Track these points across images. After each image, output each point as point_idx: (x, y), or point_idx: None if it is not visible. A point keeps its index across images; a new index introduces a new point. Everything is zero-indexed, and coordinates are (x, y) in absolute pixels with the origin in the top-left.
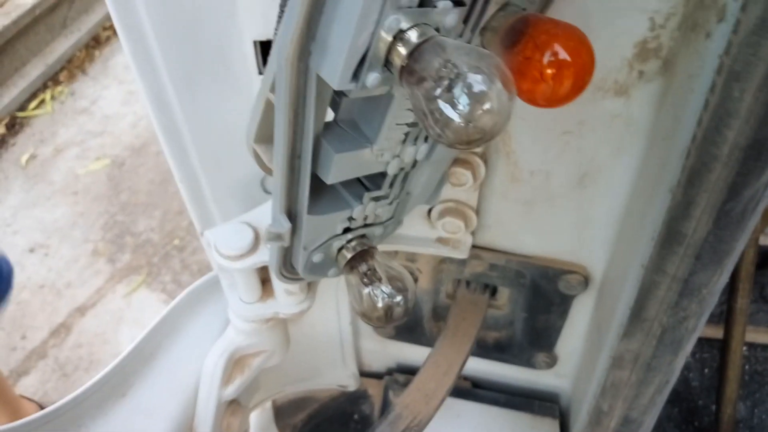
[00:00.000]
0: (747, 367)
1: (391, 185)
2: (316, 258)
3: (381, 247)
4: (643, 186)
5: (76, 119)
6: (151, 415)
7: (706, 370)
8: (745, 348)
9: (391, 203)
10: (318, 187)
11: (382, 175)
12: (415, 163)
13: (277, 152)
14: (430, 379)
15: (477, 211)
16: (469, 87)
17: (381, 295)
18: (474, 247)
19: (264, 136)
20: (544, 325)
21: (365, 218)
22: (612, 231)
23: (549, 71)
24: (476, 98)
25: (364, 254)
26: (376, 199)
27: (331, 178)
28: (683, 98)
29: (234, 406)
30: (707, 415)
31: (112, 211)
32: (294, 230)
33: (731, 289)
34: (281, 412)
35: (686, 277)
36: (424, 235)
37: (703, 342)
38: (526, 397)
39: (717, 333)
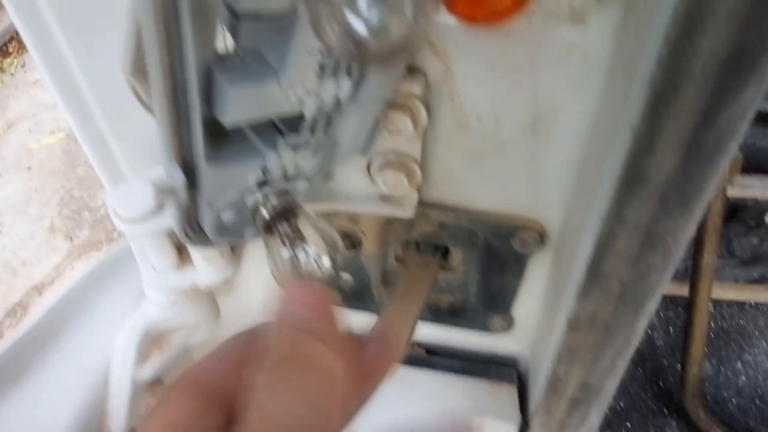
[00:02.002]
0: (713, 324)
1: (312, 131)
2: (227, 217)
3: (317, 208)
4: (602, 128)
5: (28, 92)
6: (54, 403)
7: (671, 329)
8: (710, 305)
9: (315, 153)
10: (219, 131)
11: (301, 118)
12: (338, 105)
13: (154, 86)
14: None
15: (421, 164)
16: None
17: (305, 259)
18: (421, 204)
19: (141, 66)
20: (499, 287)
21: (284, 170)
22: (569, 182)
23: None
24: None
25: (285, 213)
26: (295, 147)
27: (228, 117)
28: (647, 19)
29: (157, 386)
30: (672, 374)
31: (68, 186)
32: (192, 183)
33: (697, 243)
34: None
35: (649, 224)
36: (365, 192)
37: (667, 300)
38: (484, 363)
39: (682, 290)
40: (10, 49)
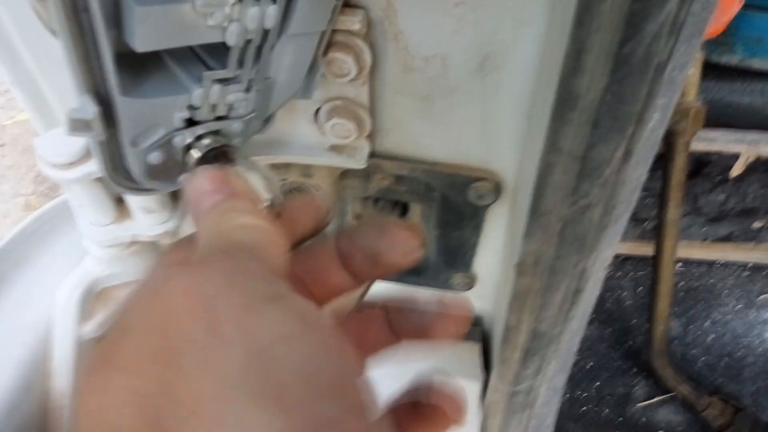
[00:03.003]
0: (682, 283)
1: (241, 63)
2: (154, 158)
3: (267, 161)
4: (548, 65)
5: None
6: None
7: (640, 289)
8: (680, 264)
9: (247, 90)
10: (136, 60)
11: (227, 49)
12: (266, 35)
13: (53, 5)
14: None
15: (370, 111)
16: None
17: None
18: (374, 156)
19: None
20: (458, 242)
21: (213, 108)
22: (521, 127)
23: None
24: None
25: (218, 155)
26: (224, 82)
27: (138, 43)
28: None
29: None
30: (640, 334)
31: None
32: (109, 119)
33: (662, 199)
34: None
35: (583, 152)
36: (314, 143)
37: (636, 260)
38: None
39: (650, 251)
40: None
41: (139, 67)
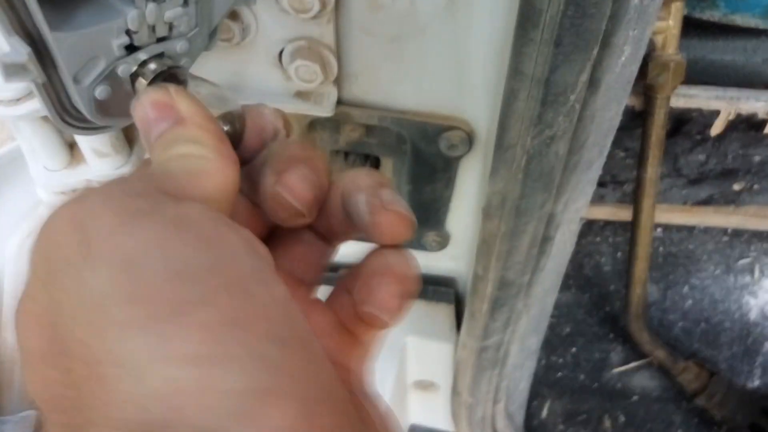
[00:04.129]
0: (661, 249)
1: None
2: (102, 93)
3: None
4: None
5: None
6: None
7: (619, 254)
8: (660, 230)
9: (185, 4)
10: None
11: None
12: None
13: None
14: None
15: (337, 54)
16: None
17: None
18: (342, 104)
19: None
20: (431, 198)
21: (153, 29)
22: (492, 73)
23: None
24: None
25: (167, 79)
26: (158, 0)
27: None
28: None
29: None
30: (619, 299)
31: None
32: (45, 58)
33: (641, 157)
34: None
35: (547, 75)
36: (279, 88)
37: (616, 225)
38: (421, 283)
39: (630, 215)
40: None
41: None
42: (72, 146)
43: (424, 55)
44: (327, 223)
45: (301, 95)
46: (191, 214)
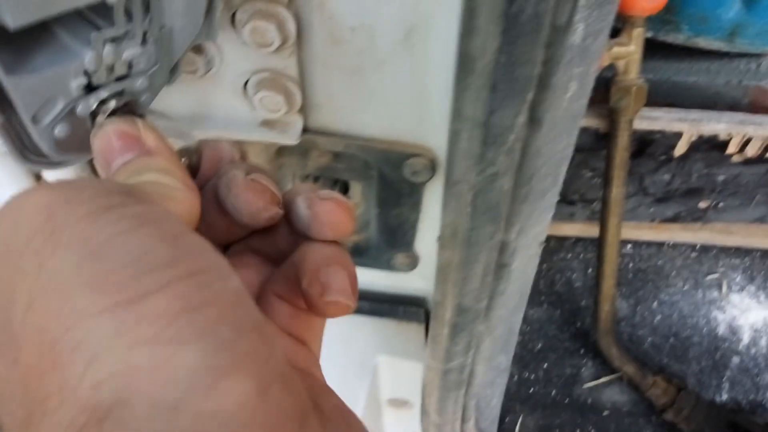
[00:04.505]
0: (631, 265)
1: (130, 17)
2: (61, 131)
3: (197, 136)
4: None
5: None
6: None
7: (590, 270)
8: (629, 246)
9: (143, 43)
10: (17, 34)
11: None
12: None
13: None
14: None
15: (301, 85)
16: None
17: None
18: (308, 131)
19: None
20: (398, 221)
21: (111, 69)
22: (449, 101)
23: None
24: None
25: (126, 113)
26: (115, 40)
27: (11, 19)
28: None
29: None
30: (589, 314)
31: None
32: (3, 100)
33: (606, 178)
34: None
35: (485, 118)
36: (245, 118)
37: (587, 242)
38: (391, 303)
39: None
40: None
41: (20, 40)
42: (38, 178)
43: (385, 87)
44: (273, 240)
45: (267, 124)
46: (156, 212)
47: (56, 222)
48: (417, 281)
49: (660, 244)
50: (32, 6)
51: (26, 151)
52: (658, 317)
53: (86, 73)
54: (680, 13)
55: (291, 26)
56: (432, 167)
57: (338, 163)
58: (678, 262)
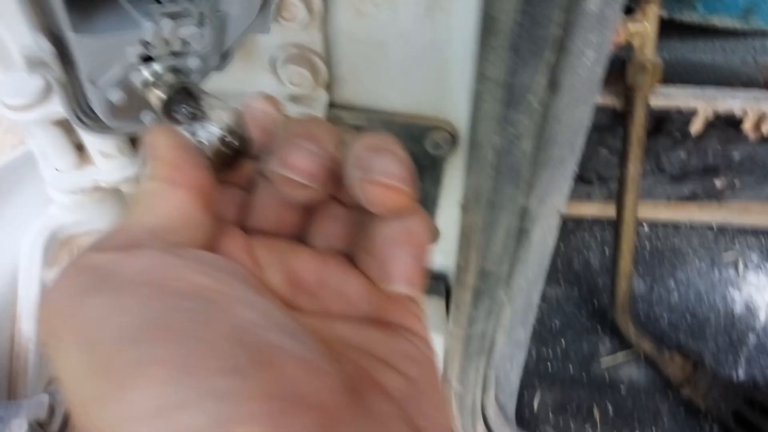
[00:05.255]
0: (648, 245)
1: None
2: (116, 97)
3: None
4: None
5: None
6: None
7: (607, 250)
8: (645, 226)
9: (200, 24)
10: None
11: None
12: None
13: None
14: None
15: (326, 60)
16: None
17: (207, 135)
18: (333, 106)
19: None
20: (419, 195)
21: (167, 44)
22: (471, 77)
23: None
24: None
25: (181, 91)
26: (174, 16)
27: None
28: None
29: None
30: (606, 294)
31: None
32: (65, 57)
33: (622, 156)
34: None
35: (507, 78)
36: (273, 92)
37: (603, 222)
38: None
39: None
40: None
41: (89, 4)
42: (80, 149)
43: (407, 60)
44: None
45: (294, 99)
46: (144, 265)
47: (54, 323)
48: (437, 255)
49: (676, 224)
50: None
51: (81, 112)
52: (675, 296)
53: (144, 44)
54: None
55: (315, 1)
56: (453, 140)
57: None
58: (694, 242)
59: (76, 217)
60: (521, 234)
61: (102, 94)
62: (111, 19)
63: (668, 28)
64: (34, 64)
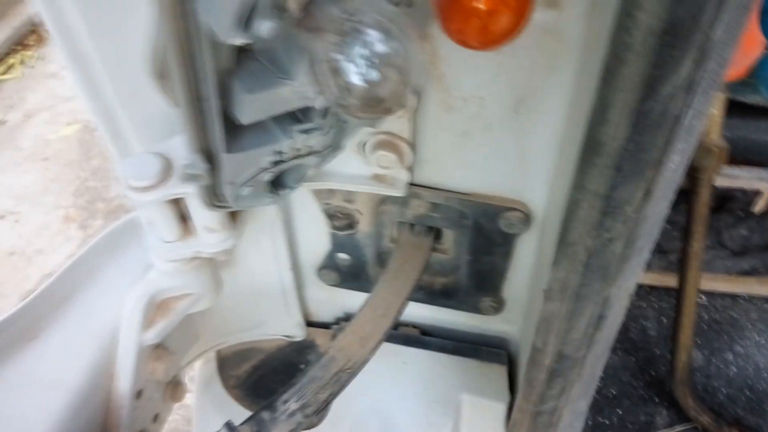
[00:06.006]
0: (705, 316)
1: (324, 116)
2: (246, 192)
3: (315, 186)
4: (577, 107)
5: (46, 84)
6: (65, 360)
7: (664, 320)
8: (704, 297)
9: (325, 134)
10: (238, 124)
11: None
12: None
13: (179, 95)
14: (366, 323)
15: (412, 145)
16: (370, 45)
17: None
18: (413, 185)
19: (164, 69)
20: (489, 268)
21: (297, 151)
22: (551, 164)
23: (481, 6)
24: (378, 58)
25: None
26: (308, 131)
27: (245, 118)
28: (609, 0)
29: (160, 351)
30: (663, 364)
31: (83, 177)
32: (214, 168)
33: (686, 232)
34: (226, 362)
35: (607, 192)
36: (359, 172)
37: (661, 291)
38: (475, 344)
39: (675, 282)
40: (30, 42)
41: (237, 128)
42: (184, 219)
43: (489, 147)
44: None
45: (377, 178)
46: None
47: None
48: (500, 324)
49: (734, 296)
50: (261, 111)
51: (214, 199)
52: (733, 369)
53: (277, 153)
54: (758, 76)
55: (412, 97)
56: (527, 220)
57: (435, 213)
58: (753, 315)
59: (173, 282)
60: (600, 320)
61: (235, 191)
62: (255, 136)
63: (732, 107)
64: (190, 178)
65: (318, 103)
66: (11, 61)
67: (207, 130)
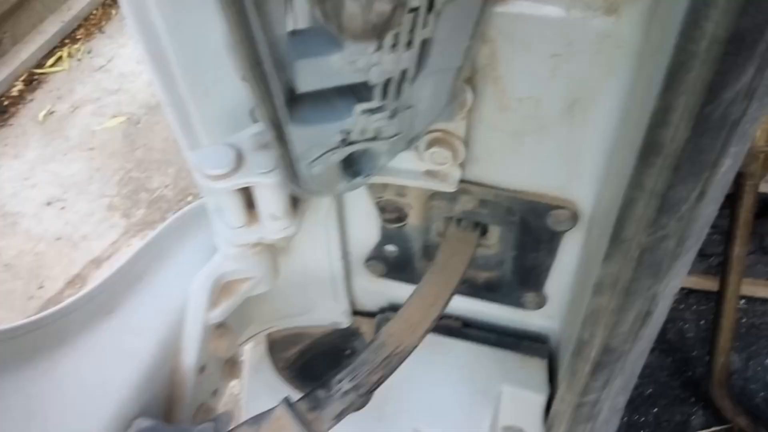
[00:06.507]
0: (744, 320)
1: (384, 96)
2: (317, 170)
3: (369, 180)
4: (632, 111)
5: (93, 76)
6: (138, 334)
7: (702, 322)
8: (743, 301)
9: (392, 117)
10: (305, 95)
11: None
12: (404, 74)
13: (238, 62)
14: (415, 311)
15: (466, 142)
16: None
17: None
18: (463, 181)
19: None
20: (533, 264)
21: (363, 132)
22: (601, 164)
23: None
24: None
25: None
26: (369, 111)
27: (299, 86)
28: (669, 9)
29: (222, 330)
30: (701, 365)
31: (127, 168)
32: (282, 140)
33: (729, 237)
34: (275, 346)
35: (664, 191)
36: (412, 167)
37: (700, 294)
38: (516, 337)
39: (715, 286)
40: (78, 36)
41: (304, 99)
42: (249, 208)
43: (541, 147)
44: None
45: (429, 173)
46: None
47: None
48: (542, 319)
49: None
50: (314, 80)
51: (293, 178)
52: None
53: (343, 132)
54: None
55: (469, 97)
56: (574, 218)
57: (482, 209)
58: None
59: (237, 266)
60: (646, 315)
61: (307, 168)
62: (319, 111)
63: None
64: (261, 145)
65: (371, 76)
66: (60, 53)
67: (270, 99)
